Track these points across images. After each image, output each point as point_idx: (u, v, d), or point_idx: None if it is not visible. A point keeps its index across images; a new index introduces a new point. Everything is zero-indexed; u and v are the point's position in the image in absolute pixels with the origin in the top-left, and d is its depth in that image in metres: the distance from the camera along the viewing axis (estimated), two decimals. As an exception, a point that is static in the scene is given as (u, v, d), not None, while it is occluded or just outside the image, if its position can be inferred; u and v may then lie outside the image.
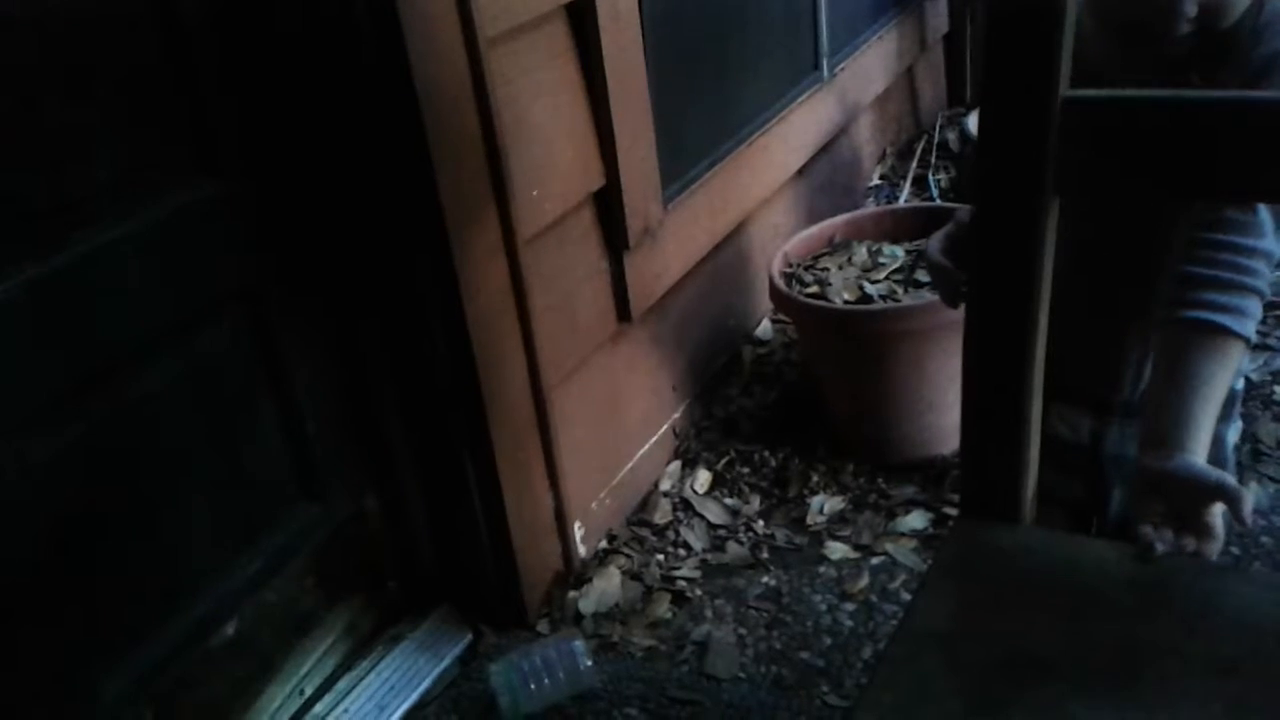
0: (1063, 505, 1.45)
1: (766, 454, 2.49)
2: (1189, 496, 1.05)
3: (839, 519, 2.29)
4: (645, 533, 2.30)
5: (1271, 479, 2.23)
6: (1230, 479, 1.05)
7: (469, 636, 2.01)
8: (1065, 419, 1.43)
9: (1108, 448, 1.41)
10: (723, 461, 2.49)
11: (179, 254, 1.50)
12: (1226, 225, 1.14)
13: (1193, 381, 1.10)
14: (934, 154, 3.90)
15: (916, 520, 2.25)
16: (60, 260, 1.35)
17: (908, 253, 2.51)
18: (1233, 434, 1.41)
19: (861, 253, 2.53)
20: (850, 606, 2.06)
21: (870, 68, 3.45)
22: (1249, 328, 1.12)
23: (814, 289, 2.42)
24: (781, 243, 2.63)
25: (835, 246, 2.60)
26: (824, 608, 2.06)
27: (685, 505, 2.37)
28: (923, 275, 2.40)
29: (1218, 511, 1.04)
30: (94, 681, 1.49)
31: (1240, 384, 1.40)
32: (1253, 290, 1.13)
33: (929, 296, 2.32)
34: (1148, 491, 1.09)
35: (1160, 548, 1.01)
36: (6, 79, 1.27)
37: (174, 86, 1.45)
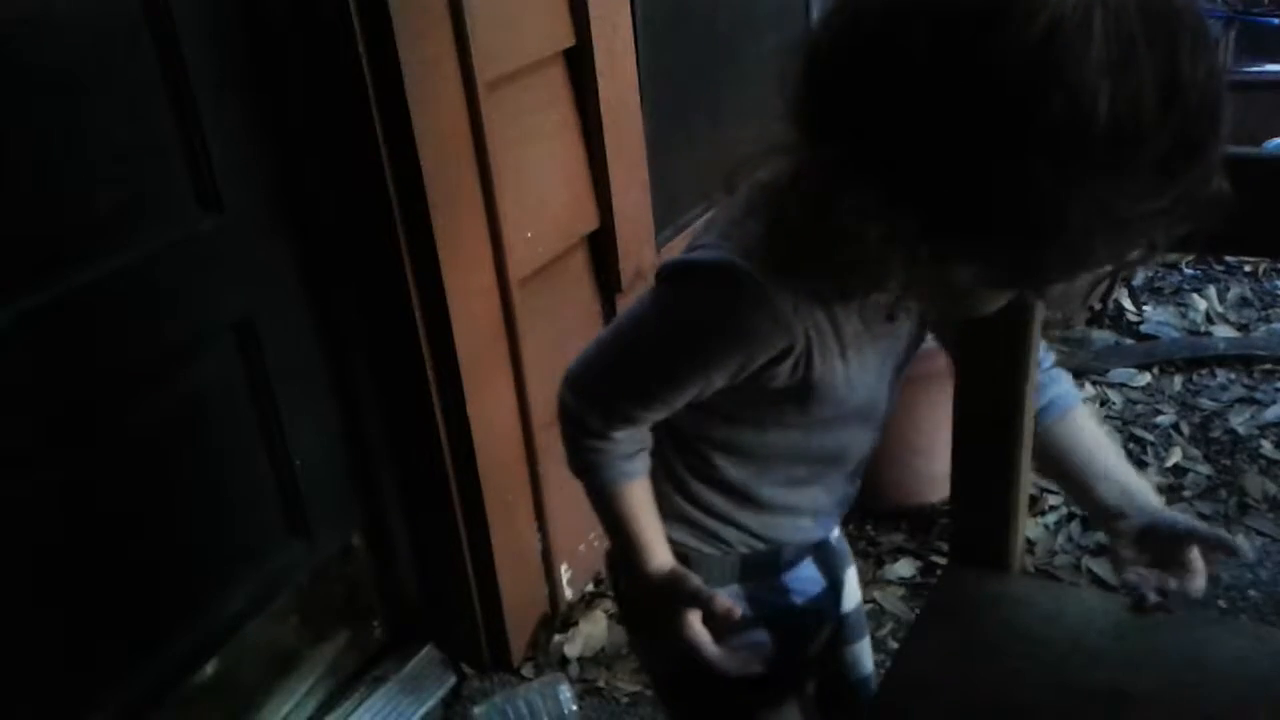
0: None
1: (755, 499, 2.49)
2: (1169, 543, 1.05)
3: (827, 565, 2.28)
4: (632, 576, 2.28)
5: (1259, 532, 2.24)
6: (1200, 524, 1.06)
7: (453, 678, 1.99)
8: None
9: None
10: (711, 505, 2.48)
11: (174, 287, 1.50)
12: None
13: (1095, 450, 1.11)
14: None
15: (904, 568, 2.24)
16: (55, 291, 1.35)
17: (898, 300, 2.52)
18: None
19: (852, 300, 2.54)
20: (837, 654, 2.04)
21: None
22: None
23: (805, 335, 2.42)
24: (773, 288, 2.64)
25: (826, 293, 2.60)
26: (811, 655, 2.05)
27: (673, 549, 2.36)
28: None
29: (1195, 551, 1.05)
30: None
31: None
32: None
33: (919, 344, 2.33)
34: (1130, 547, 1.09)
35: (1152, 598, 1.01)
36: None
37: (174, 119, 1.46)
